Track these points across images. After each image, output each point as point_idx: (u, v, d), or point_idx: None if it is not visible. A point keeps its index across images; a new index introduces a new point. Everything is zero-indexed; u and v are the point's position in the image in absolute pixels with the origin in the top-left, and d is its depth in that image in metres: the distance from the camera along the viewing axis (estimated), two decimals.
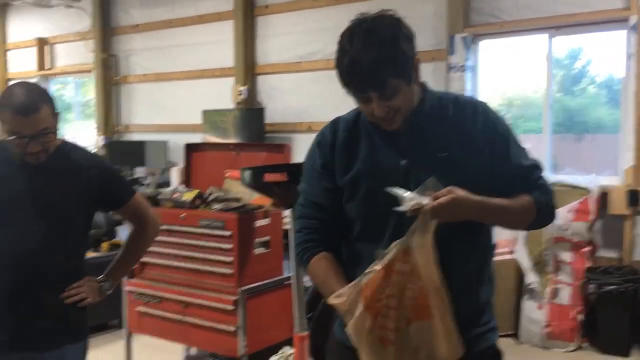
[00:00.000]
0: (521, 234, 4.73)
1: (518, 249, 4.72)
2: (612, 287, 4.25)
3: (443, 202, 1.48)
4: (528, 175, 1.67)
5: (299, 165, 2.93)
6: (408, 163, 1.64)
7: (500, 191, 1.62)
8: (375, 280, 1.53)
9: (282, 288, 3.28)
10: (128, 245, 2.28)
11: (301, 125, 6.43)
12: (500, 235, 4.84)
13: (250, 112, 6.76)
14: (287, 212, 2.72)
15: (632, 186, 4.54)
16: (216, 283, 3.17)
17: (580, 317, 4.42)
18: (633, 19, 4.50)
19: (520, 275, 4.65)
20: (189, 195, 3.27)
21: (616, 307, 4.26)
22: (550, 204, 1.68)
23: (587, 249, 4.52)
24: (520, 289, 4.65)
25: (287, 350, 2.60)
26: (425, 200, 1.49)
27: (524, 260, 4.64)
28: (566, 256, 4.52)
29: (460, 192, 1.51)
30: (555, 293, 4.49)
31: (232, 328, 3.10)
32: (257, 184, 2.60)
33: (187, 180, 3.76)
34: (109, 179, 2.14)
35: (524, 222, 1.69)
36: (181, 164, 4.41)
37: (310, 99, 6.30)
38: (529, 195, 1.64)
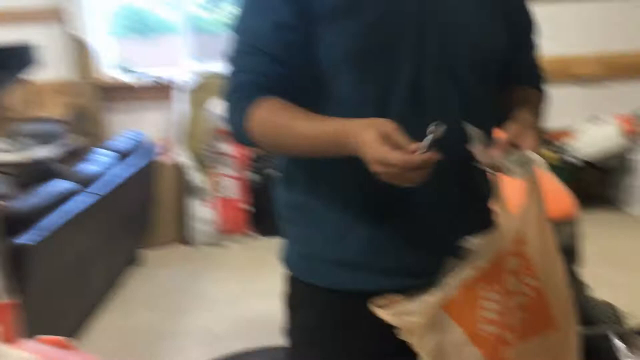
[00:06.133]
0: (177, 132, 4.38)
1: (176, 148, 4.37)
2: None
3: (535, 138, 1.08)
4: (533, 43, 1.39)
5: None
6: None
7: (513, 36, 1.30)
8: (475, 289, 0.99)
9: None
10: None
11: None
12: (155, 133, 4.41)
13: None
14: None
15: None
16: None
17: (248, 207, 4.43)
18: None
19: (182, 175, 4.35)
20: None
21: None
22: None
23: None
24: (184, 190, 4.37)
25: None
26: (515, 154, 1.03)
27: (185, 158, 4.33)
28: (227, 148, 4.39)
29: (523, 116, 1.13)
30: (220, 188, 4.36)
31: None
32: None
33: None
34: None
35: None
36: None
37: None
38: (537, 89, 1.35)
